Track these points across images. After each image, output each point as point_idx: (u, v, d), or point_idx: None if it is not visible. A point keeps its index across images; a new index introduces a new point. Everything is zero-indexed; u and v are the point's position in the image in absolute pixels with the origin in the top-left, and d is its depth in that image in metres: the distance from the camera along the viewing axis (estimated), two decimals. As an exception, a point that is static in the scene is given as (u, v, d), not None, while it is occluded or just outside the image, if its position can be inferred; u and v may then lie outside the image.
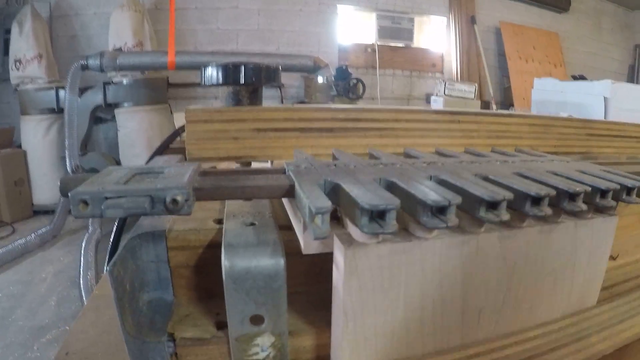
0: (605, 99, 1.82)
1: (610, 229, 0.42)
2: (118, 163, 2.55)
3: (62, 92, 2.22)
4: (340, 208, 0.33)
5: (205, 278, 0.39)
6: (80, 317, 0.45)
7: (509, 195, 0.32)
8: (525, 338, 0.37)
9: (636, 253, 0.57)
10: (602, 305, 0.42)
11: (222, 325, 0.35)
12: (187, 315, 0.37)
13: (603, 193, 0.38)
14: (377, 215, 0.28)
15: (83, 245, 1.92)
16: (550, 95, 2.13)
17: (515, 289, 0.38)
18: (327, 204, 0.28)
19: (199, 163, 0.38)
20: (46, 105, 2.37)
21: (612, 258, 0.54)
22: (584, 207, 0.37)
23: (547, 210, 0.35)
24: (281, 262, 0.32)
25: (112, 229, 0.62)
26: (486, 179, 0.38)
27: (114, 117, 2.45)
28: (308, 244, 0.33)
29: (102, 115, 2.50)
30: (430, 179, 0.37)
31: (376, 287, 0.32)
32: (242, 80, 0.52)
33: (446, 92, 2.13)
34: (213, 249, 0.39)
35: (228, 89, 0.54)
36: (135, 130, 2.36)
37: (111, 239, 0.62)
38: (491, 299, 0.37)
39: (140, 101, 2.35)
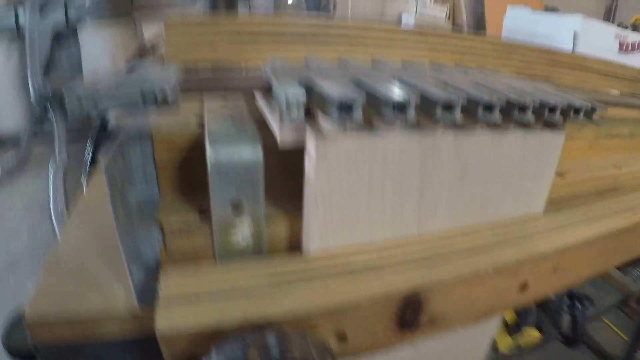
0: (574, 33, 1.82)
1: (557, 144, 0.46)
2: (81, 81, 2.40)
3: (21, 12, 1.98)
4: (312, 102, 0.35)
5: (187, 173, 0.42)
6: (68, 225, 0.47)
7: (463, 97, 0.35)
8: (474, 231, 0.43)
9: (583, 174, 0.61)
10: (548, 214, 0.48)
11: (204, 212, 0.39)
12: (172, 206, 0.39)
13: (551, 109, 0.42)
14: (345, 108, 0.31)
15: (51, 174, 1.87)
16: (521, 24, 2.11)
17: (467, 186, 0.43)
18: (301, 91, 0.30)
19: (179, 64, 0.39)
20: (5, 27, 2.13)
21: (560, 175, 0.59)
22: (532, 119, 0.40)
23: (498, 118, 0.38)
24: (259, 148, 0.34)
25: (82, 157, 0.62)
26: (445, 84, 0.41)
27: (76, 34, 2.25)
28: (284, 134, 0.35)
29: (64, 33, 2.28)
30: (391, 79, 0.39)
31: (343, 174, 0.36)
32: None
33: (417, 12, 2.08)
34: (195, 145, 0.41)
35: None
36: (98, 47, 2.19)
37: (90, 150, 0.61)
38: (445, 193, 0.42)
39: (104, 15, 2.15)
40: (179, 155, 0.41)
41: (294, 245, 0.40)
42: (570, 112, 0.43)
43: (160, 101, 0.31)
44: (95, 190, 0.53)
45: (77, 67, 2.40)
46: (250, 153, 0.34)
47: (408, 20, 2.18)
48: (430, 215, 0.42)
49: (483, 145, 0.42)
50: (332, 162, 0.35)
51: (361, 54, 0.60)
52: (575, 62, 0.73)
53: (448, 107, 0.36)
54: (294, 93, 0.29)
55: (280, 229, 0.40)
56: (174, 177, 0.42)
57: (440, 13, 2.23)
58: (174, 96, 0.31)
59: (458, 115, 0.36)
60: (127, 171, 0.40)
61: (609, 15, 4.51)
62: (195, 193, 0.42)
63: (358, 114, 0.31)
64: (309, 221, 0.37)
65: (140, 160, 0.40)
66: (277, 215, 0.40)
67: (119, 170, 0.38)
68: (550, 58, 0.70)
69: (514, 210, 0.47)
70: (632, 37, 1.88)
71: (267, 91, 0.36)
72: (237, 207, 0.36)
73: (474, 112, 0.38)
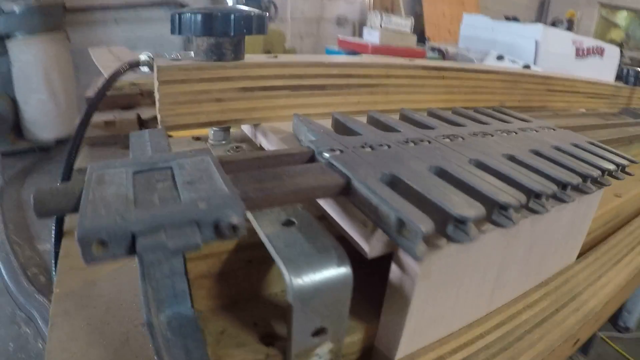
0: (536, 42, 1.90)
1: (598, 198, 0.46)
2: (14, 101, 2.08)
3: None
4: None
5: (227, 284, 0.34)
6: (53, 330, 0.36)
7: (555, 187, 0.32)
8: (532, 301, 0.40)
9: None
10: (578, 261, 0.47)
11: (267, 338, 0.31)
12: (222, 332, 0.31)
13: (603, 172, 0.40)
14: (463, 223, 0.25)
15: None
16: (480, 32, 2.17)
17: (532, 257, 0.40)
18: (431, 224, 0.23)
19: (212, 153, 0.30)
20: None
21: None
22: (593, 187, 0.38)
23: (574, 195, 0.35)
24: (349, 270, 0.27)
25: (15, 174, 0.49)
26: (512, 159, 0.37)
27: (5, 51, 1.95)
28: (374, 249, 0.29)
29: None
30: (470, 162, 0.35)
31: (440, 284, 0.30)
32: (231, 32, 0.41)
33: (382, 25, 2.03)
34: (237, 247, 0.33)
35: (207, 40, 0.43)
36: (30, 64, 1.91)
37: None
38: (515, 269, 0.38)
39: (35, 30, 1.87)
40: (217, 264, 0.33)
41: (365, 350, 0.34)
42: (618, 169, 0.42)
43: (228, 235, 0.23)
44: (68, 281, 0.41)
45: (8, 82, 2.08)
46: (339, 275, 0.27)
47: (371, 35, 2.12)
48: (500, 292, 0.38)
49: (550, 217, 0.39)
50: (433, 275, 0.29)
51: (383, 102, 0.54)
52: (567, 87, 0.74)
53: (539, 196, 0.32)
54: (424, 228, 0.23)
55: (354, 337, 0.33)
56: (211, 291, 0.33)
57: (405, 27, 2.18)
58: (244, 227, 0.23)
59: (546, 203, 0.32)
60: (156, 294, 0.30)
61: (542, 10, 4.80)
62: (241, 306, 0.34)
63: (475, 232, 0.26)
64: (396, 332, 0.31)
65: (169, 279, 0.31)
66: (352, 326, 0.33)
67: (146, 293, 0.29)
68: (547, 86, 0.70)
69: (559, 266, 0.46)
70: (587, 42, 2.00)
71: (348, 189, 0.29)
72: (319, 333, 0.29)
73: (554, 194, 0.35)
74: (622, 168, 0.43)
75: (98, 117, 0.71)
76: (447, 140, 0.39)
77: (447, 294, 0.32)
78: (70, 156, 0.50)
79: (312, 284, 0.26)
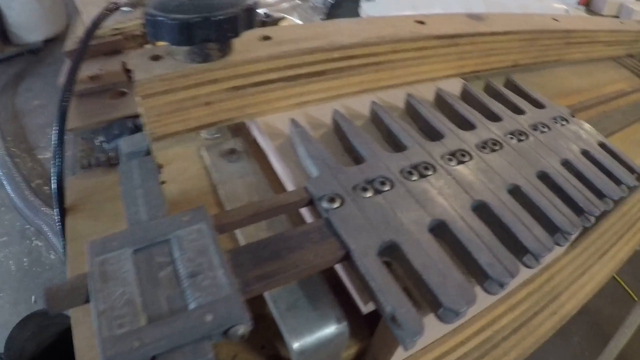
0: None
1: None
2: None
3: None
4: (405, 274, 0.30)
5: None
6: (76, 328, 0.39)
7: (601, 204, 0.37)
8: (515, 302, 0.43)
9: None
10: (568, 252, 0.49)
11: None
12: (234, 358, 0.35)
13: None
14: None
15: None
16: None
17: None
18: (420, 324, 0.25)
19: (208, 216, 0.29)
20: None
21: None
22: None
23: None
24: (346, 327, 0.30)
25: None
26: (547, 178, 0.38)
27: None
28: (369, 307, 0.30)
29: None
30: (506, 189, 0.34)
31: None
32: (214, 38, 0.35)
33: None
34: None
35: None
36: None
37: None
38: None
39: None
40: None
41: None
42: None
43: (236, 340, 0.24)
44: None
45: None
46: (337, 333, 0.30)
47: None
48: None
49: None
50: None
51: (387, 78, 0.49)
52: (586, 38, 0.66)
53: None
54: (412, 323, 0.24)
55: (348, 353, 0.37)
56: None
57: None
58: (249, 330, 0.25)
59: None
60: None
61: None
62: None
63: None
64: (388, 352, 0.35)
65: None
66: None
67: None
68: (566, 40, 0.63)
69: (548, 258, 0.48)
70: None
71: (347, 258, 0.29)
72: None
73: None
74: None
75: (82, 71, 0.65)
76: (484, 150, 0.38)
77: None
78: (61, 121, 0.47)
79: (311, 345, 0.29)
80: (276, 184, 0.42)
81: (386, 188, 0.34)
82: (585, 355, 1.15)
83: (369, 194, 0.33)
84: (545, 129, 0.45)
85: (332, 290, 0.32)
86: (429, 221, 0.32)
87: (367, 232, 0.30)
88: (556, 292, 0.45)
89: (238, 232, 0.38)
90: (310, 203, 0.33)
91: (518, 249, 0.32)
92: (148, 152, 0.41)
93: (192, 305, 0.24)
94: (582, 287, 0.46)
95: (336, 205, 0.32)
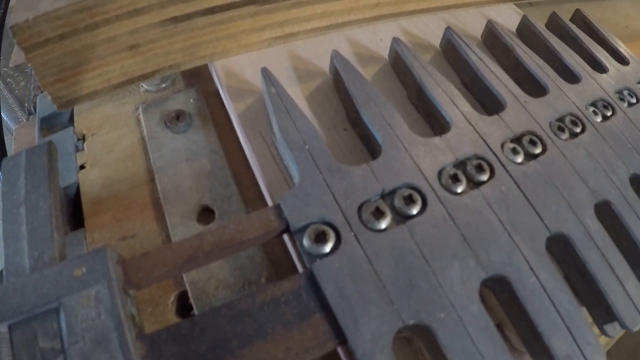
0: None
1: None
2: None
3: None
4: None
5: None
6: None
7: None
8: None
9: None
10: None
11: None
12: None
13: None
14: None
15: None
16: None
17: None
18: None
19: (112, 270, 0.17)
20: None
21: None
22: None
23: None
24: None
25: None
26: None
27: None
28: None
29: None
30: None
31: None
32: None
33: None
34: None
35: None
36: None
37: None
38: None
39: None
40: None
41: None
42: None
43: None
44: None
45: None
46: None
47: None
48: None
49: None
50: None
51: (415, 0, 0.32)
52: None
53: None
54: None
55: None
56: None
57: None
58: None
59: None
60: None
61: None
62: None
63: None
64: None
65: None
66: None
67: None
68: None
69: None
70: None
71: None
72: None
73: None
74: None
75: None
76: (522, 157, 0.23)
77: None
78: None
79: None
80: (245, 173, 0.28)
81: (416, 209, 0.20)
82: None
83: (384, 223, 0.19)
84: (634, 99, 0.29)
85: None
86: (481, 280, 0.19)
87: (381, 305, 0.17)
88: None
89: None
90: (288, 232, 0.20)
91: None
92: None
93: None
94: None
95: (327, 247, 0.18)
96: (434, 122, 0.26)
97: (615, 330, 0.22)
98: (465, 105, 0.25)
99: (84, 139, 0.31)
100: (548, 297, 0.19)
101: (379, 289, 0.18)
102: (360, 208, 0.20)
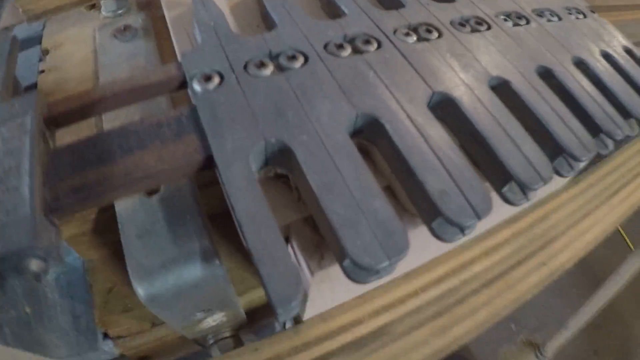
0: None
1: None
2: None
3: None
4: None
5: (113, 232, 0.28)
6: None
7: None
8: (494, 245, 0.32)
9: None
10: (568, 188, 0.36)
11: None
12: (110, 291, 0.27)
13: None
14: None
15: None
16: None
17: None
18: (298, 290, 0.15)
19: (36, 106, 0.20)
20: None
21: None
22: None
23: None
24: (218, 268, 0.21)
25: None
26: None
27: None
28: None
29: None
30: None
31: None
32: None
33: None
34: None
35: None
36: None
37: None
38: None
39: None
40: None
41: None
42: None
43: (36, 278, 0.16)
44: None
45: None
46: (203, 276, 0.21)
47: None
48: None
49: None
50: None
51: None
52: None
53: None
54: (282, 298, 0.15)
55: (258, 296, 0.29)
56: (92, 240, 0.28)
57: None
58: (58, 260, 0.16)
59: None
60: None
61: None
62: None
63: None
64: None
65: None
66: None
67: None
68: None
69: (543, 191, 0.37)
70: None
71: (209, 164, 0.19)
72: (205, 312, 0.25)
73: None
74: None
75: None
76: (414, 39, 0.25)
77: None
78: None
79: (165, 291, 0.20)
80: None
81: (298, 64, 0.22)
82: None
83: (265, 72, 0.22)
84: (555, 18, 0.31)
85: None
86: (349, 123, 0.20)
87: (247, 126, 0.19)
88: (549, 237, 0.33)
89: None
90: (185, 85, 0.22)
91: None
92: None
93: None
94: (582, 234, 0.34)
95: (212, 85, 0.21)
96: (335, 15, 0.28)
97: (515, 195, 0.22)
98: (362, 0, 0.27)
99: (45, 53, 0.35)
100: (423, 138, 0.20)
101: (249, 115, 0.20)
102: (247, 63, 0.22)
